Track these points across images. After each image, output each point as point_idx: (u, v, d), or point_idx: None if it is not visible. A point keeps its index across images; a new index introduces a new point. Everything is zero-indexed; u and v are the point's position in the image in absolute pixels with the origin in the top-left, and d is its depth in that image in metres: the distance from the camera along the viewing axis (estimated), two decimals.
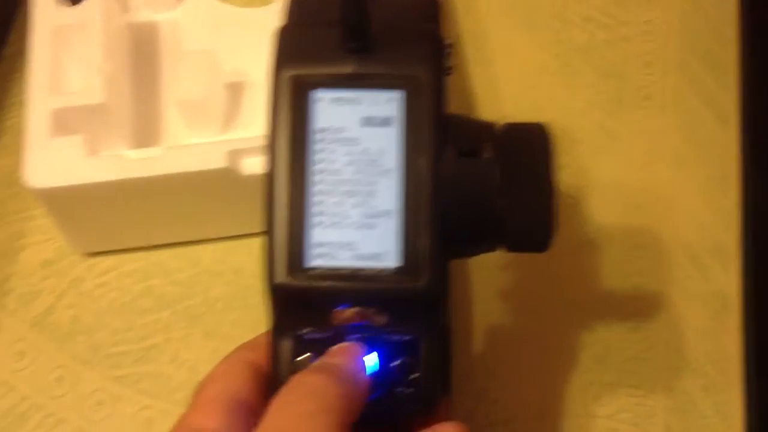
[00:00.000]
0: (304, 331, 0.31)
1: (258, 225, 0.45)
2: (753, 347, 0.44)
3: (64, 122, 0.42)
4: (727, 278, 0.45)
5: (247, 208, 0.44)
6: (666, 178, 0.48)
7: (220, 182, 0.42)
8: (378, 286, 0.31)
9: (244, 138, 0.42)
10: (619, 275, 0.46)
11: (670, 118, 0.49)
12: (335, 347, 0.31)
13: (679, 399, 0.43)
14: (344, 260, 0.31)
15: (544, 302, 0.45)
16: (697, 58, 0.51)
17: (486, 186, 0.31)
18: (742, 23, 0.52)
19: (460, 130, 0.31)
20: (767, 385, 0.44)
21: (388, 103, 0.31)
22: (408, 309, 0.31)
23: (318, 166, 0.31)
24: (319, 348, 0.31)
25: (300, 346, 0.31)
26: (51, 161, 0.41)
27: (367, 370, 0.30)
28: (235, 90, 0.47)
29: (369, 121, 0.31)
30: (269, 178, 0.31)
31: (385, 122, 0.31)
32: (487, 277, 0.45)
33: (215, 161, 0.41)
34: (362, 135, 0.31)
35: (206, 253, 0.46)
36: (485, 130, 0.32)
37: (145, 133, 0.46)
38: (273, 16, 0.47)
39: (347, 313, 0.31)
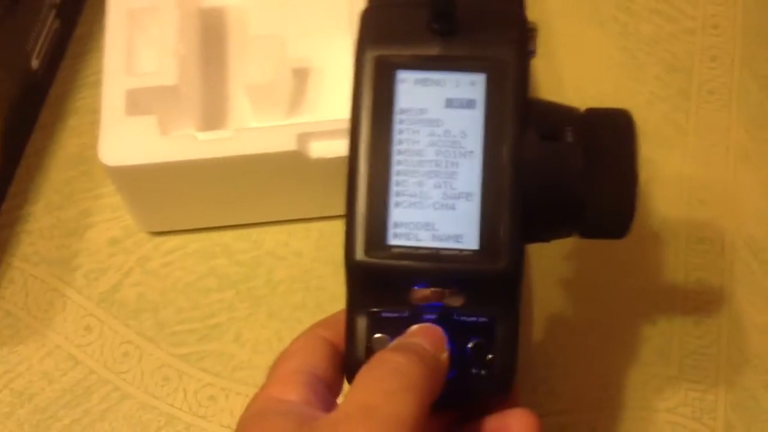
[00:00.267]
0: (381, 309, 0.32)
1: (320, 210, 0.46)
2: None
3: (138, 102, 0.43)
4: None
5: (312, 192, 0.45)
6: (730, 173, 0.48)
7: (288, 165, 0.42)
8: (457, 266, 0.31)
9: (314, 122, 0.43)
10: (682, 269, 0.45)
11: (735, 113, 0.49)
12: (416, 327, 0.31)
13: (741, 395, 0.43)
14: (423, 240, 0.31)
15: (606, 293, 0.45)
16: (763, 52, 0.51)
17: (568, 170, 0.31)
18: None
19: (543, 113, 0.31)
20: None
21: (472, 86, 0.31)
22: (485, 291, 0.31)
23: (400, 147, 0.31)
24: (394, 327, 0.31)
25: (376, 324, 0.32)
26: (126, 140, 0.42)
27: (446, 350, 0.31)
28: (301, 75, 0.47)
29: (452, 103, 0.31)
30: (351, 156, 0.31)
31: (468, 104, 0.31)
32: (549, 266, 0.45)
33: (285, 144, 0.42)
34: (445, 116, 0.31)
35: (268, 235, 0.47)
36: (568, 114, 0.32)
37: (212, 115, 0.47)
38: (338, 1, 0.48)
39: (425, 293, 0.31)
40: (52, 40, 0.50)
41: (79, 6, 0.53)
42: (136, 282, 0.46)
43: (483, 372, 0.31)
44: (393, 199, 0.31)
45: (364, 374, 0.29)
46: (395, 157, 0.31)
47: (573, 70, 0.50)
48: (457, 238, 0.31)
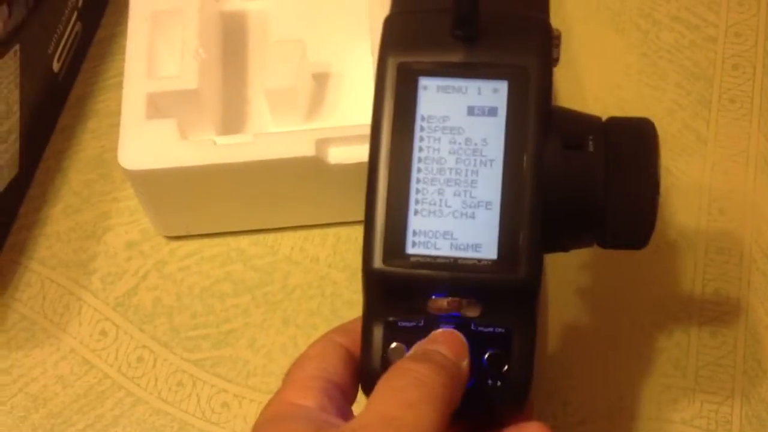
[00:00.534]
0: (398, 318, 0.32)
1: (337, 215, 0.46)
2: None
3: (158, 106, 0.43)
4: None
5: (329, 197, 0.45)
6: (750, 183, 0.47)
7: (306, 171, 0.42)
8: (475, 276, 0.30)
9: (333, 127, 0.43)
10: (700, 279, 0.45)
11: (756, 121, 0.49)
12: (438, 332, 0.31)
13: (757, 407, 0.42)
14: (442, 249, 0.31)
15: (622, 303, 0.44)
16: None
17: (589, 180, 0.31)
18: None
19: (565, 122, 0.31)
20: None
21: (495, 93, 0.31)
22: (503, 301, 0.31)
23: (420, 154, 0.31)
24: (411, 336, 0.31)
25: (392, 333, 0.32)
26: (145, 144, 0.42)
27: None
28: (320, 80, 0.47)
29: (474, 111, 0.31)
30: (371, 163, 0.31)
31: (490, 112, 0.31)
32: (565, 275, 0.45)
33: (303, 149, 0.42)
34: (467, 124, 0.31)
35: (285, 240, 0.47)
36: (589, 123, 0.32)
37: (232, 119, 0.47)
38: (360, 6, 0.48)
39: (442, 303, 0.31)
40: (73, 42, 0.50)
41: (101, 9, 0.53)
42: (152, 286, 0.46)
43: (499, 383, 0.31)
44: (412, 207, 0.31)
45: (384, 384, 0.29)
46: (416, 165, 0.31)
47: (593, 77, 0.50)
48: (476, 247, 0.31)
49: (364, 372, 0.32)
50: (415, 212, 0.31)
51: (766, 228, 0.46)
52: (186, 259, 0.46)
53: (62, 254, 0.47)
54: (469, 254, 0.31)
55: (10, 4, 0.42)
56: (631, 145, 0.31)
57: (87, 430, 0.43)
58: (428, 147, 0.31)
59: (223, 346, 0.44)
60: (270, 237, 0.47)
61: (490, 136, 0.31)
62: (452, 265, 0.31)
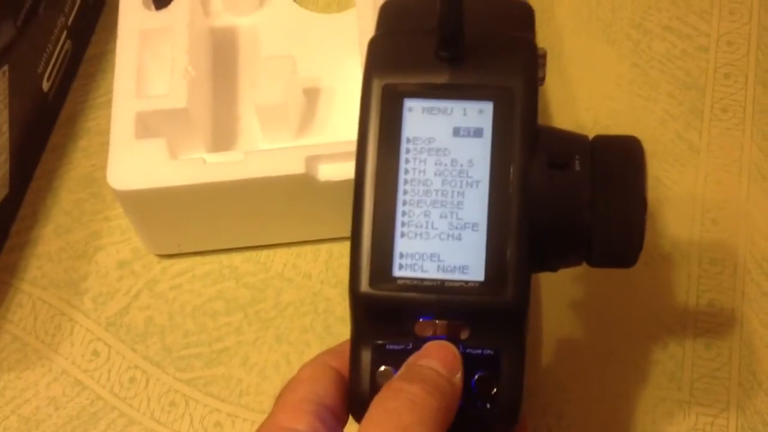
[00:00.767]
0: (386, 341, 0.31)
1: (329, 231, 0.46)
2: None
3: (148, 125, 0.43)
4: None
5: (321, 214, 0.44)
6: (743, 192, 0.47)
7: (297, 188, 0.42)
8: (463, 299, 0.30)
9: (322, 144, 0.43)
10: (694, 290, 0.45)
11: (749, 131, 0.49)
12: (430, 344, 0.30)
13: (753, 419, 0.42)
14: (429, 272, 0.30)
15: (616, 316, 0.44)
16: None
17: (576, 200, 0.30)
18: None
19: (551, 141, 0.31)
20: None
21: (480, 114, 0.30)
22: (491, 323, 0.31)
23: (406, 176, 0.31)
24: (400, 359, 0.31)
25: (381, 356, 0.31)
26: (135, 164, 0.42)
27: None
28: (311, 95, 0.47)
29: (460, 132, 0.31)
30: (357, 186, 0.31)
31: (476, 133, 0.30)
32: (558, 289, 0.45)
33: (293, 167, 0.41)
34: (452, 145, 0.31)
35: (277, 257, 0.47)
36: (577, 142, 0.32)
37: (222, 136, 0.47)
38: (350, 22, 0.48)
39: (430, 325, 0.31)
40: (63, 61, 0.50)
41: (92, 26, 0.53)
42: (144, 305, 0.46)
43: (488, 405, 0.31)
44: (399, 230, 0.31)
45: (377, 406, 0.29)
46: (401, 187, 0.31)
47: (585, 88, 0.50)
48: (462, 269, 0.30)
49: (352, 396, 0.32)
50: (402, 234, 0.31)
51: (759, 238, 0.46)
52: (178, 277, 0.46)
53: (53, 274, 0.47)
54: (456, 276, 0.30)
55: None
56: (618, 164, 0.31)
57: None
58: (414, 169, 0.31)
59: (215, 365, 0.44)
60: (262, 254, 0.47)
61: (476, 157, 0.30)
62: (439, 287, 0.30)
